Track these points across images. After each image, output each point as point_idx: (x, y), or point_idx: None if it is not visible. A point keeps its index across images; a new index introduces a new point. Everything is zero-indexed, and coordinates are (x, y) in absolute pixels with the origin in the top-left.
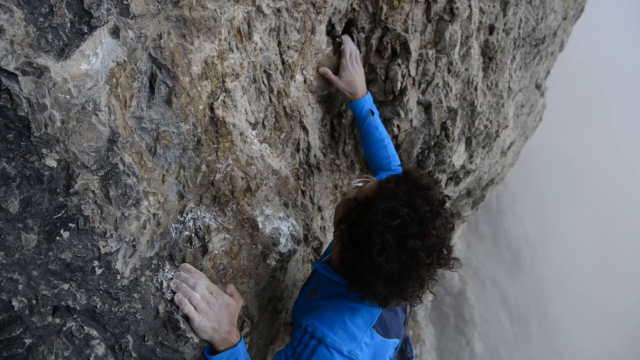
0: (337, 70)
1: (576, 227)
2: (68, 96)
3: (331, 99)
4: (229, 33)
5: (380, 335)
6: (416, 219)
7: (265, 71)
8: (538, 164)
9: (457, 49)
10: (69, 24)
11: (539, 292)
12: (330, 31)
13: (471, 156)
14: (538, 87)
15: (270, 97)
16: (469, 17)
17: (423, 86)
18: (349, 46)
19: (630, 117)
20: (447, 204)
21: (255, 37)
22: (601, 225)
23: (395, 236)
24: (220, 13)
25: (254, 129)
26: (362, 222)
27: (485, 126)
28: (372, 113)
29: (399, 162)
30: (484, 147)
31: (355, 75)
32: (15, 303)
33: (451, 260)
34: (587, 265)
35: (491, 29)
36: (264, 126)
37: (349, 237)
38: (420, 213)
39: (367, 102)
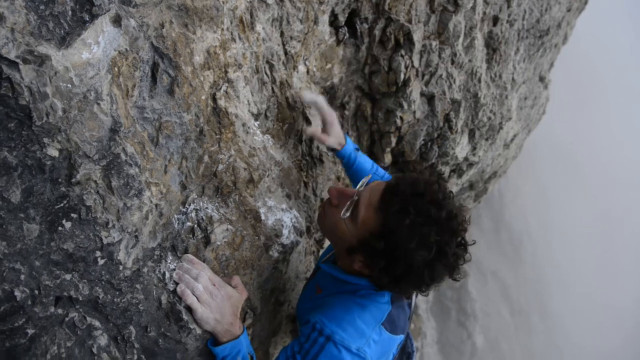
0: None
1: (577, 221)
2: (69, 85)
3: (334, 90)
4: (231, 23)
5: (388, 332)
6: (445, 231)
7: (267, 62)
8: (540, 157)
9: (460, 40)
10: (70, 12)
11: (540, 285)
12: (334, 21)
13: (474, 148)
14: (542, 79)
15: (272, 88)
16: (473, 8)
17: (426, 77)
18: (325, 107)
19: (633, 111)
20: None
21: (258, 27)
22: (603, 220)
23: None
24: (223, 2)
25: (256, 119)
26: (394, 254)
27: (489, 118)
28: (357, 149)
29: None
30: (487, 139)
31: (338, 128)
32: (17, 293)
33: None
34: (588, 260)
35: (495, 20)
36: (266, 117)
37: (385, 266)
38: (443, 223)
39: (350, 143)
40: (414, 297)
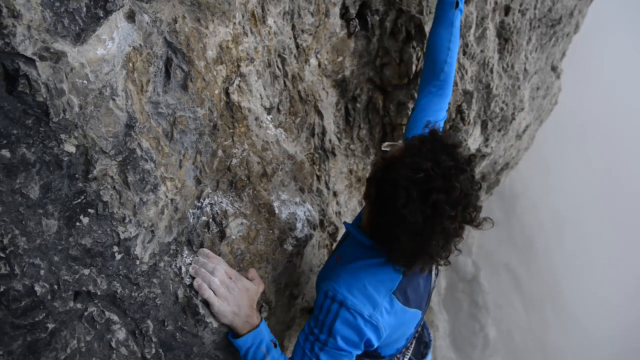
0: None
1: (588, 212)
2: (85, 81)
3: (345, 83)
4: (243, 17)
5: (401, 303)
6: (440, 173)
7: (279, 55)
8: (551, 148)
9: (472, 30)
10: (84, 9)
11: (552, 276)
12: (344, 14)
13: (487, 139)
14: (554, 69)
15: (284, 82)
16: None
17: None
18: None
19: None
20: (474, 163)
21: (270, 21)
22: (613, 209)
23: (419, 190)
24: None
25: (269, 113)
26: (387, 179)
27: (501, 109)
28: (457, 4)
29: (449, 76)
30: (499, 131)
31: None
32: (37, 288)
33: (479, 218)
34: (600, 251)
35: (507, 10)
36: (278, 111)
37: (375, 195)
38: (444, 168)
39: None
40: (433, 275)
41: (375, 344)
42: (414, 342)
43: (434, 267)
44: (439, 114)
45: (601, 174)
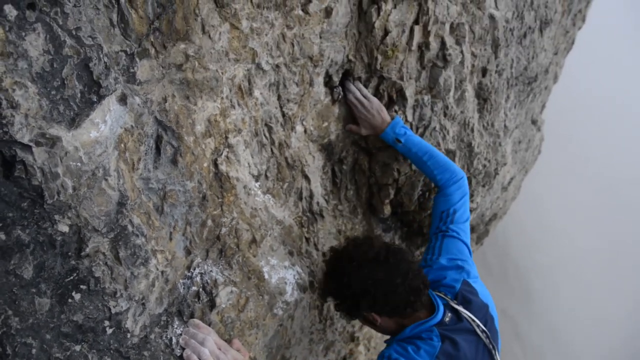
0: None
1: (584, 254)
2: (79, 163)
3: (331, 146)
4: (230, 91)
5: None
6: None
7: (266, 124)
8: (541, 193)
9: (451, 93)
10: (79, 95)
11: (552, 321)
12: (328, 82)
13: (472, 195)
14: (534, 122)
15: (272, 149)
16: (462, 62)
17: (420, 130)
18: (351, 96)
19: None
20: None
21: (256, 93)
22: (609, 248)
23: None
24: (222, 73)
25: (257, 180)
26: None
27: (484, 165)
28: (398, 141)
29: (449, 175)
30: (483, 186)
31: (370, 119)
32: None
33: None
34: (598, 290)
35: (484, 72)
36: (266, 177)
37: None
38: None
39: (390, 132)
40: (488, 345)
41: None
42: None
43: (477, 328)
44: (449, 201)
45: (593, 217)
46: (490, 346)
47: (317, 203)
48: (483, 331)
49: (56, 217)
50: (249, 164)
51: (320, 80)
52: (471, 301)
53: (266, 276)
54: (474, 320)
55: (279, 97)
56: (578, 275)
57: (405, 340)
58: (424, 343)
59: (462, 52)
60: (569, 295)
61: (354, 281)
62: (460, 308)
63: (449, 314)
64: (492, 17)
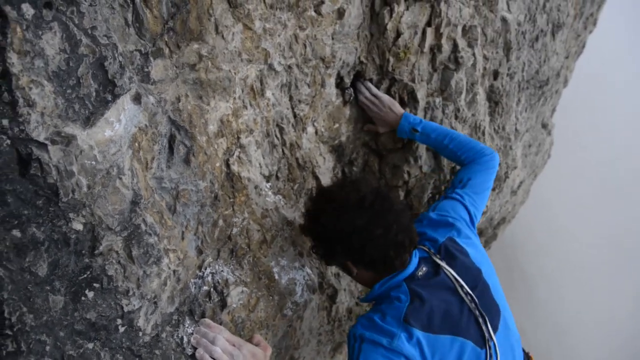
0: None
1: (593, 258)
2: (94, 162)
3: (342, 148)
4: (242, 91)
5: (421, 330)
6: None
7: (277, 125)
8: (549, 197)
9: (463, 95)
10: (94, 94)
11: (558, 326)
12: (339, 83)
13: None
14: (544, 126)
15: (283, 150)
16: (474, 65)
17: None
18: (362, 97)
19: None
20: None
21: (268, 93)
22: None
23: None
24: (234, 73)
25: (268, 181)
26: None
27: None
28: (415, 131)
29: (474, 152)
30: (494, 190)
31: (383, 117)
32: None
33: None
34: (604, 296)
35: (495, 74)
36: (277, 178)
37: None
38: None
39: (405, 124)
40: (474, 311)
41: None
42: None
43: (459, 288)
44: (468, 170)
45: (600, 222)
46: (477, 313)
47: None
48: (467, 294)
49: (71, 215)
50: (260, 164)
51: (331, 81)
52: (456, 258)
53: (276, 277)
54: (456, 279)
55: (290, 98)
56: (584, 279)
57: (374, 305)
58: (389, 307)
59: (474, 54)
60: (575, 299)
61: (330, 224)
62: (442, 263)
63: (424, 268)
64: (504, 20)
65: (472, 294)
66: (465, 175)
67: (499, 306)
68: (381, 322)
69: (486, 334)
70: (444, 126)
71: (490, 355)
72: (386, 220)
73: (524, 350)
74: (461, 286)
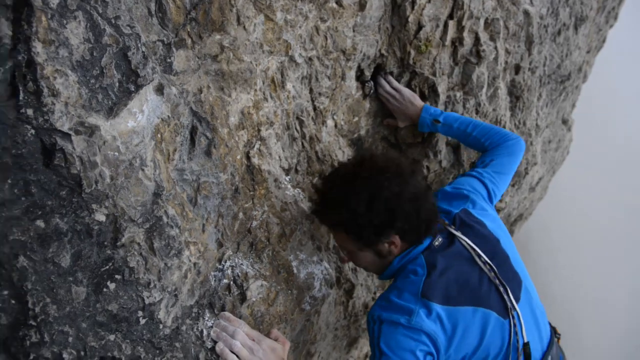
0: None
1: (609, 258)
2: (117, 153)
3: (361, 142)
4: (263, 83)
5: (440, 303)
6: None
7: (297, 118)
8: (565, 195)
9: (484, 90)
10: (117, 84)
11: (571, 324)
12: (360, 76)
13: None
14: (565, 122)
15: (302, 143)
16: (495, 59)
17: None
18: (381, 90)
19: None
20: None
21: (288, 86)
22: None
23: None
24: (256, 65)
25: (287, 174)
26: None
27: None
28: (437, 122)
29: (499, 137)
30: (513, 186)
31: (404, 110)
32: (65, 355)
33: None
34: (621, 295)
35: (517, 69)
36: (296, 171)
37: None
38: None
39: (426, 116)
40: (494, 280)
41: (436, 353)
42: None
43: (477, 258)
44: (491, 152)
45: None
46: (497, 282)
47: None
48: (486, 263)
49: (94, 206)
50: (280, 157)
51: (352, 74)
52: (472, 227)
53: (295, 271)
54: (472, 249)
55: (310, 91)
56: (600, 275)
57: (390, 284)
58: (405, 282)
59: (496, 48)
60: (590, 299)
61: (385, 192)
62: (457, 233)
63: (440, 238)
64: (526, 13)
65: (491, 263)
66: (488, 157)
67: (520, 276)
68: (398, 299)
69: (508, 304)
70: (465, 116)
71: (514, 325)
72: (424, 187)
73: (550, 324)
74: (479, 255)
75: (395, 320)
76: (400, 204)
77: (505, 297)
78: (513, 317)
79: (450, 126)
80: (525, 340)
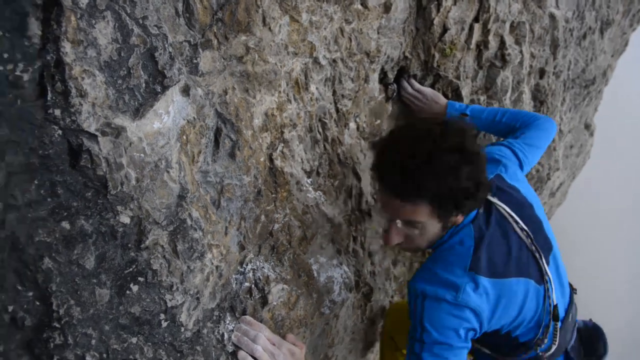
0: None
1: (624, 263)
2: (142, 155)
3: None
4: (287, 85)
5: (488, 277)
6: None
7: (320, 120)
8: (583, 198)
9: (508, 94)
10: (144, 85)
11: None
12: (383, 79)
13: None
14: (587, 127)
15: (324, 145)
16: (520, 63)
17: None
18: (404, 93)
19: None
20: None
21: (312, 88)
22: None
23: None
24: (280, 66)
25: (309, 177)
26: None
27: (537, 170)
28: (465, 115)
29: (529, 118)
30: (534, 191)
31: (429, 110)
32: (88, 358)
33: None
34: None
35: (542, 73)
36: (318, 174)
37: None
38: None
39: (453, 112)
40: (531, 247)
41: (479, 327)
42: (553, 326)
43: (514, 225)
44: (523, 128)
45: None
46: (533, 248)
47: (366, 202)
48: (523, 229)
49: (119, 208)
50: (302, 159)
51: (375, 76)
52: (507, 192)
53: (315, 274)
54: (510, 216)
55: (334, 93)
56: (614, 279)
57: (432, 253)
58: (451, 253)
59: (521, 52)
60: (605, 297)
61: (476, 169)
62: (494, 199)
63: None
64: (552, 17)
65: (528, 230)
66: (519, 132)
67: (551, 241)
68: (444, 273)
69: (543, 270)
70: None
71: (547, 290)
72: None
73: (570, 285)
74: (516, 222)
75: (440, 296)
76: (481, 176)
77: (541, 263)
78: (546, 282)
79: (479, 118)
80: (555, 303)
